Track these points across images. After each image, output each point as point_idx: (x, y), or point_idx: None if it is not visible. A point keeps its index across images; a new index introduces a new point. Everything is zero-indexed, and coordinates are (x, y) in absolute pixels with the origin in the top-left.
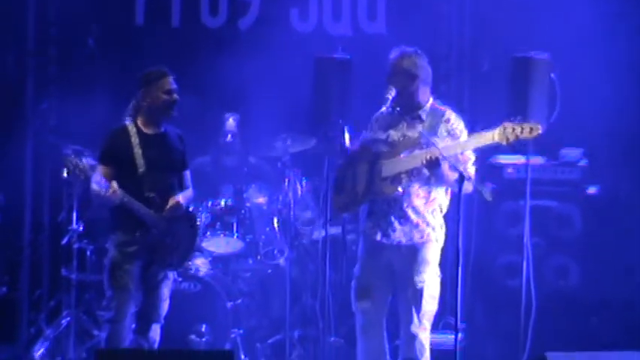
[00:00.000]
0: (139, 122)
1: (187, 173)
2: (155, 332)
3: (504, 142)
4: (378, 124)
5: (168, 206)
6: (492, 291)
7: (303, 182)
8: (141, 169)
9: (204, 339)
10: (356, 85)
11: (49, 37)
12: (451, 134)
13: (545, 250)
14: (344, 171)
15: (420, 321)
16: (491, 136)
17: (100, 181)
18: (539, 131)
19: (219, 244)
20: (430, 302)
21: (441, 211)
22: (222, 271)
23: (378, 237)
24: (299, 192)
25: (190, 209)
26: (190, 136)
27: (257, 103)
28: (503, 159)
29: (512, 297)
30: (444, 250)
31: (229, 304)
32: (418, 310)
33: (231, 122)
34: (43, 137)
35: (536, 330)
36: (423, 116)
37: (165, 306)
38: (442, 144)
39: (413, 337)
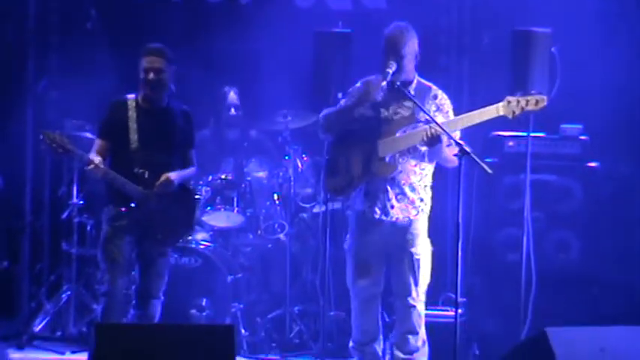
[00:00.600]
0: (140, 96)
1: (192, 152)
2: (154, 308)
3: (510, 116)
4: (375, 95)
5: (158, 182)
6: (492, 266)
7: (304, 158)
8: (133, 145)
9: (204, 313)
10: (356, 60)
11: (49, 10)
12: (440, 109)
13: (545, 225)
14: (335, 152)
15: (417, 293)
16: (496, 110)
17: (81, 156)
18: (545, 103)
19: (219, 218)
20: (425, 274)
21: (430, 183)
22: (222, 245)
23: (377, 215)
24: (299, 168)
25: (190, 186)
26: (191, 110)
27: (257, 78)
28: (504, 132)
29: (512, 271)
30: (444, 225)
31: (230, 279)
32: (416, 282)
33: (232, 95)
34: (44, 111)
35: (536, 304)
36: (412, 92)
37: (162, 282)
38: (443, 119)
39: (411, 309)
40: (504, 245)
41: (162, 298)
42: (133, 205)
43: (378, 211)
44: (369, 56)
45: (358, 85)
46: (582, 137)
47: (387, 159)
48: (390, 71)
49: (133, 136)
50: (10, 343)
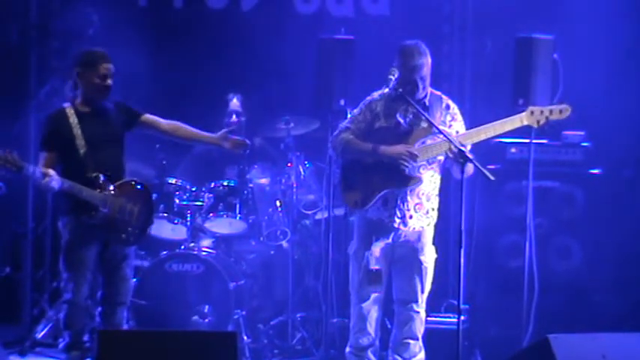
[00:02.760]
0: (77, 102)
1: (149, 115)
2: (121, 315)
3: (535, 125)
4: (381, 110)
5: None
6: (495, 272)
7: (307, 165)
8: (82, 150)
9: (206, 320)
10: (359, 67)
11: (51, 17)
12: (455, 119)
13: (547, 231)
14: (350, 165)
15: (421, 299)
16: (520, 120)
17: (34, 171)
18: (569, 112)
19: (221, 224)
20: (430, 281)
21: (437, 192)
22: (224, 252)
23: (396, 224)
24: (302, 175)
25: (136, 181)
26: (193, 117)
27: (260, 84)
28: (506, 139)
29: (514, 278)
30: (446, 231)
31: (232, 285)
32: (422, 290)
33: (235, 102)
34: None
35: (538, 311)
36: (427, 103)
37: (128, 286)
38: (460, 128)
39: (415, 316)
40: (507, 252)
41: (129, 303)
42: (96, 212)
43: (397, 220)
44: (372, 63)
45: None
46: (584, 144)
47: (407, 171)
48: (393, 78)
49: (80, 142)
50: (12, 350)
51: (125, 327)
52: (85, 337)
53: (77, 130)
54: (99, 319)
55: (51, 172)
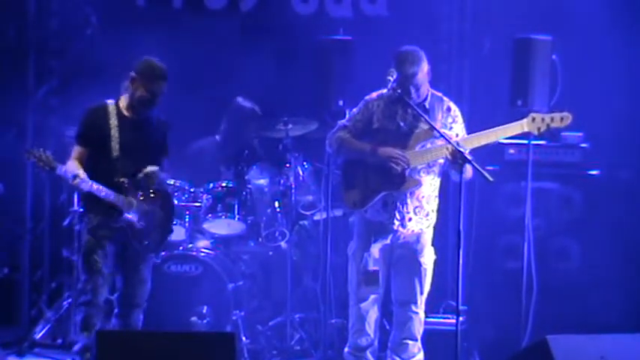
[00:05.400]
0: (121, 103)
1: (165, 160)
2: (137, 317)
3: (536, 132)
4: (379, 111)
5: (143, 172)
6: (493, 273)
7: (305, 166)
8: (115, 153)
9: (205, 321)
10: (357, 67)
11: (49, 17)
12: (456, 121)
13: (546, 232)
14: (350, 166)
15: (421, 301)
16: (521, 127)
17: (65, 172)
18: (570, 120)
19: (220, 225)
20: (429, 283)
21: (437, 194)
22: (223, 253)
23: (395, 226)
24: (300, 175)
25: (161, 190)
26: (190, 117)
27: (258, 85)
28: (505, 140)
29: (513, 279)
30: (445, 233)
31: (230, 286)
32: (421, 291)
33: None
34: (44, 118)
35: (537, 312)
36: (427, 106)
37: (146, 289)
38: (460, 131)
39: (414, 317)
40: (505, 253)
41: (145, 305)
42: (120, 215)
43: (397, 222)
44: (370, 63)
45: (356, 111)
46: (583, 145)
47: (407, 172)
48: (391, 79)
49: (115, 145)
50: (10, 351)
51: (139, 328)
52: None
53: (115, 132)
54: (115, 321)
55: (82, 173)
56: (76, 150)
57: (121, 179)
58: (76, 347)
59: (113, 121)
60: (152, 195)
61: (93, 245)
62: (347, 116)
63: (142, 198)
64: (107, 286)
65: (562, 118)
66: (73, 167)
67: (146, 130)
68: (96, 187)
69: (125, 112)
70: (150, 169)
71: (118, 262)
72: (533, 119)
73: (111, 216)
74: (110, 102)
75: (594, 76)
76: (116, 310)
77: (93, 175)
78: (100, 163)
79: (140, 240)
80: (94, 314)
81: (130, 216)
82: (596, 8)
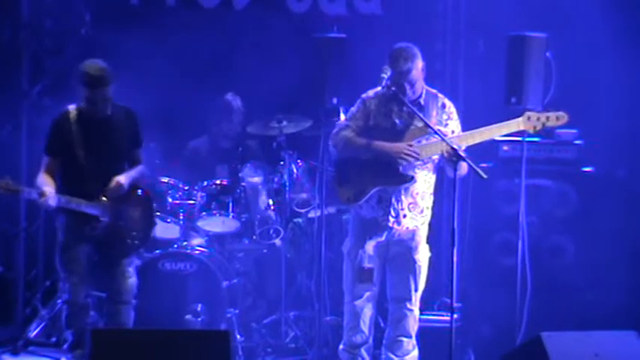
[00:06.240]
0: (83, 106)
1: (139, 151)
2: (125, 315)
3: (531, 131)
4: (375, 108)
5: (108, 187)
6: (488, 270)
7: (299, 163)
8: (81, 159)
9: (199, 319)
10: (351, 65)
11: (43, 16)
12: (451, 118)
13: (540, 229)
14: (344, 162)
15: (415, 298)
16: (517, 125)
17: (30, 193)
18: (566, 119)
19: (214, 223)
20: (423, 280)
21: (432, 191)
22: (217, 250)
23: (390, 223)
24: (294, 173)
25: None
26: (185, 115)
27: (252, 83)
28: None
29: (507, 276)
30: (439, 230)
31: (225, 284)
32: (416, 288)
33: (239, 102)
34: (39, 118)
35: (531, 309)
36: (422, 103)
37: (130, 284)
38: (456, 127)
39: (408, 313)
40: (499, 250)
41: (134, 301)
42: (97, 222)
43: (391, 219)
44: (365, 61)
45: (355, 109)
46: (577, 142)
47: (401, 169)
48: (386, 77)
49: (80, 151)
50: (5, 349)
51: (130, 326)
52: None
53: (77, 137)
54: (105, 320)
55: (47, 190)
56: (46, 162)
57: (92, 184)
58: (66, 345)
59: (75, 127)
60: (126, 194)
61: (67, 245)
62: (342, 115)
63: (111, 195)
64: (85, 284)
65: (558, 117)
66: (42, 182)
67: (110, 128)
68: (65, 200)
69: (86, 115)
70: (113, 183)
71: (99, 260)
72: (529, 118)
73: (89, 225)
74: (72, 107)
75: (588, 73)
76: (105, 309)
77: (65, 183)
78: (69, 171)
79: (124, 240)
80: (75, 312)
81: (107, 219)
82: (590, 5)
